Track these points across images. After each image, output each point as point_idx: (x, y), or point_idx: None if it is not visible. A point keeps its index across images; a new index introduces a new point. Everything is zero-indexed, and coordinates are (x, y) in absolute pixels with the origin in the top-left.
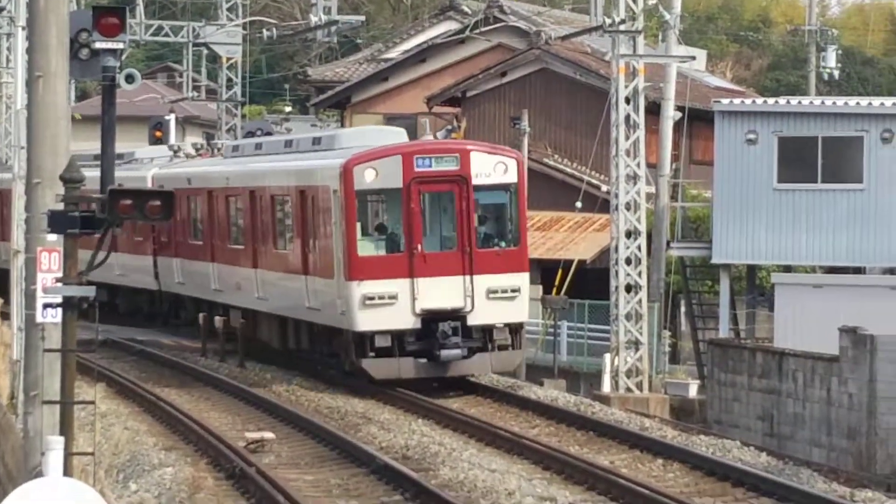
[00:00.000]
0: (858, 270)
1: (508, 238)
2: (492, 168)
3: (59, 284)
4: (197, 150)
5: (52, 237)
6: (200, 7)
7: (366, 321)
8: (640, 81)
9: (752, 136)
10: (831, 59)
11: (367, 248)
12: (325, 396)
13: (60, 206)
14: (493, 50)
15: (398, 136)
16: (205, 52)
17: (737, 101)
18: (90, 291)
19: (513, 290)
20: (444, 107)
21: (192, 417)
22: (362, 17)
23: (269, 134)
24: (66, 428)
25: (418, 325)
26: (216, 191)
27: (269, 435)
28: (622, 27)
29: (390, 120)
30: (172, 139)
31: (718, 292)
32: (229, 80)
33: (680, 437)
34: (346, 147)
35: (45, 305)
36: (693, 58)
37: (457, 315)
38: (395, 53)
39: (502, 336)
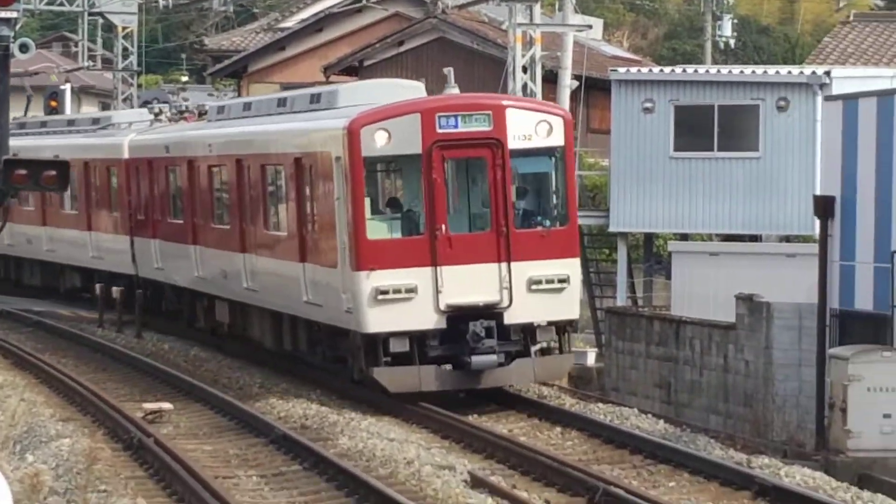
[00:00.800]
0: (754, 238)
1: (554, 215)
2: (533, 128)
3: None
4: (180, 112)
5: None
6: None
7: (378, 321)
8: (537, 50)
9: (648, 105)
10: (727, 28)
11: (379, 230)
12: (223, 367)
13: None
14: (389, 19)
15: (416, 90)
16: (100, 21)
17: (633, 69)
18: None
19: (560, 281)
20: (341, 76)
21: (89, 388)
22: None
23: (165, 103)
24: None
25: (443, 325)
26: (198, 160)
27: (167, 405)
28: None
29: (286, 89)
30: (68, 109)
31: (616, 261)
32: (125, 49)
33: (578, 405)
34: (352, 105)
35: None
36: (590, 27)
37: (491, 312)
38: (291, 22)
39: (547, 337)
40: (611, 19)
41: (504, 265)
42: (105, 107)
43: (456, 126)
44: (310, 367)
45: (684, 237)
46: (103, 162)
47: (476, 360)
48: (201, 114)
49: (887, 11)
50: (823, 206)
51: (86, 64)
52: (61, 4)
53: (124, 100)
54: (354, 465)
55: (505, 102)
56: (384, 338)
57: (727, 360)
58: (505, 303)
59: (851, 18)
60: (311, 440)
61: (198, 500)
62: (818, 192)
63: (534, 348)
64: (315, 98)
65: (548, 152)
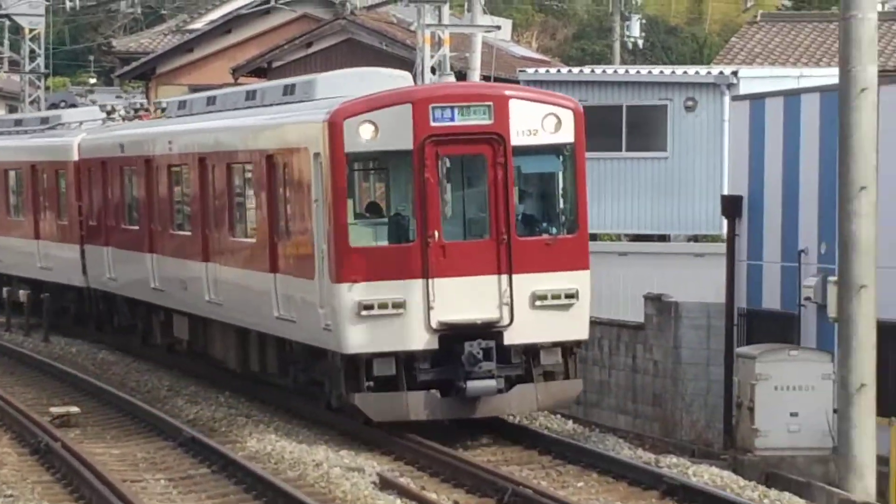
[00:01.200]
0: (663, 238)
1: (561, 222)
2: (539, 122)
3: None
4: (136, 110)
5: None
6: None
7: (360, 340)
8: (445, 51)
9: None
10: (635, 28)
11: (363, 236)
12: (131, 370)
13: None
14: (298, 20)
15: (403, 80)
16: (7, 23)
17: (542, 70)
18: None
19: (567, 296)
20: (249, 77)
21: None
22: None
23: (73, 106)
24: None
25: (434, 346)
26: (155, 160)
27: (74, 409)
28: None
29: (195, 91)
30: None
31: None
32: (32, 51)
33: None
34: (331, 97)
35: None
36: (498, 27)
37: (489, 331)
38: (200, 24)
39: (552, 359)
40: (519, 20)
41: (504, 278)
42: (12, 109)
43: (452, 119)
44: (280, 390)
45: (593, 237)
46: (51, 164)
47: (472, 385)
48: (161, 110)
49: (794, 12)
50: (731, 206)
51: None
52: None
53: (31, 102)
54: (263, 467)
55: (508, 93)
56: (367, 359)
57: (636, 360)
58: (505, 321)
59: (759, 18)
60: (219, 443)
61: None
62: (725, 192)
63: (536, 372)
64: (289, 89)
65: (555, 150)
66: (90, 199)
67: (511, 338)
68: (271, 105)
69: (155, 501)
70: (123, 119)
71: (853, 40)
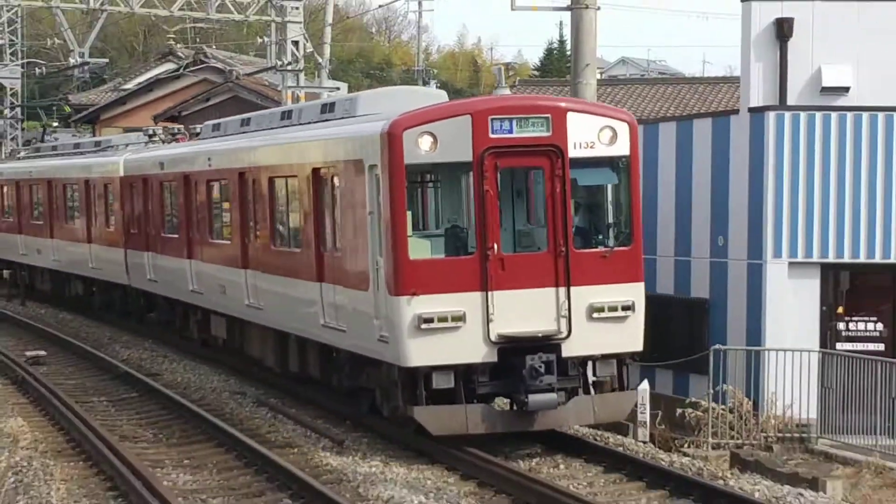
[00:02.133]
0: None
1: (617, 234)
2: (595, 135)
3: None
4: (173, 134)
5: None
6: None
7: (421, 353)
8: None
9: None
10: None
11: (422, 249)
12: (83, 325)
13: None
14: (200, 83)
15: (439, 97)
16: None
17: None
18: None
19: (624, 308)
20: (166, 122)
21: None
22: (106, 60)
23: (41, 141)
24: None
25: (493, 358)
26: (194, 175)
27: (42, 352)
28: (289, 67)
29: (128, 132)
30: None
31: None
32: (12, 103)
33: None
34: (373, 113)
35: None
36: (338, 88)
37: (547, 343)
38: (131, 84)
39: (607, 371)
40: (353, 84)
41: (562, 290)
42: None
43: (510, 131)
44: (325, 391)
45: None
46: (101, 180)
47: (534, 399)
48: (194, 135)
49: (541, 77)
50: None
51: None
52: None
53: (11, 139)
54: (175, 391)
55: (565, 105)
56: (427, 372)
57: None
58: (563, 333)
59: (517, 83)
60: (144, 375)
61: (63, 418)
62: None
63: (591, 383)
64: (327, 107)
65: (611, 162)
66: (132, 210)
67: (569, 350)
68: (309, 123)
69: (99, 415)
70: (162, 142)
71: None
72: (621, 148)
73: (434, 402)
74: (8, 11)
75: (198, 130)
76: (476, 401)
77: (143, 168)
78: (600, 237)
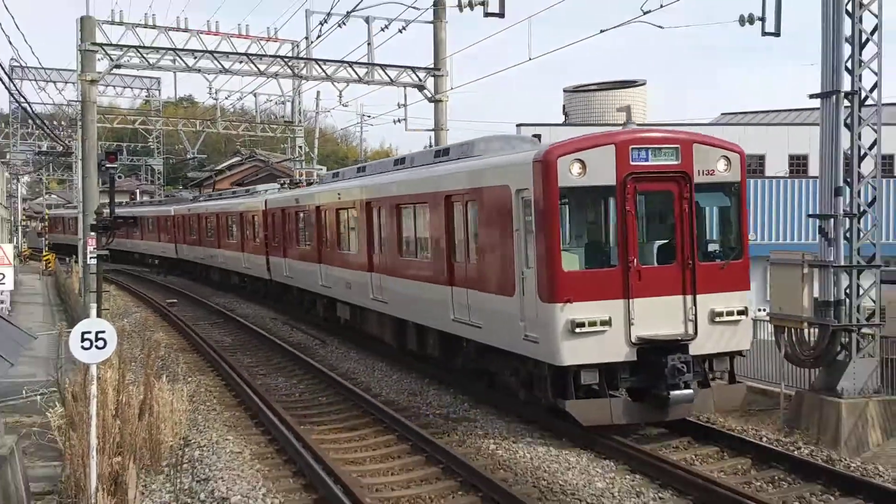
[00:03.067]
0: None
1: (730, 248)
2: (714, 163)
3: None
4: (296, 183)
5: (92, 233)
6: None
7: (572, 354)
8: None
9: None
10: None
11: (572, 262)
12: (201, 287)
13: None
14: (253, 167)
15: (532, 142)
16: (144, 165)
17: None
18: (104, 253)
19: (739, 313)
20: (232, 186)
21: (144, 294)
22: (205, 155)
23: (171, 196)
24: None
25: (633, 358)
26: (324, 206)
27: (174, 301)
28: (297, 158)
29: (219, 191)
30: None
31: None
32: (157, 177)
33: None
34: (487, 154)
35: (92, 257)
36: (322, 169)
37: (678, 344)
38: (220, 167)
39: (722, 367)
40: (329, 167)
41: (689, 298)
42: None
43: (647, 159)
44: (445, 370)
45: None
46: (251, 212)
47: (675, 394)
48: (309, 183)
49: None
50: None
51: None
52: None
53: (157, 195)
54: (246, 321)
55: (690, 137)
56: (576, 370)
57: None
58: (690, 335)
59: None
60: (229, 312)
61: (184, 332)
62: None
63: (711, 377)
64: (441, 153)
65: (726, 187)
66: (273, 230)
67: (695, 349)
68: (420, 166)
69: (203, 330)
70: (289, 187)
71: None
72: (735, 174)
73: (583, 398)
74: (156, 133)
75: (311, 180)
76: (616, 395)
77: (280, 203)
78: (718, 251)
